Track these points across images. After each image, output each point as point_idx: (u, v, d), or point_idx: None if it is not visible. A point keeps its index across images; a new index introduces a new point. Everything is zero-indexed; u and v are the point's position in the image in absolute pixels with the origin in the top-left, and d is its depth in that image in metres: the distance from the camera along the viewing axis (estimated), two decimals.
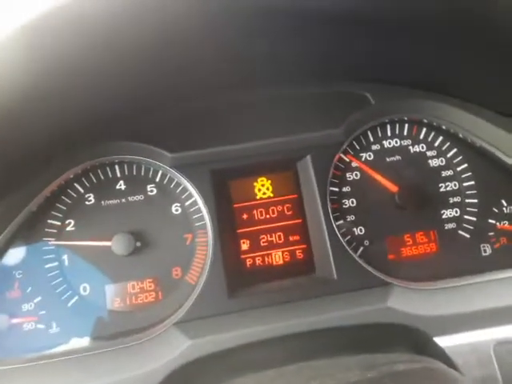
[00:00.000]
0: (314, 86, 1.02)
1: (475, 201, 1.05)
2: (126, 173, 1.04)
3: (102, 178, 1.03)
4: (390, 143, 1.08)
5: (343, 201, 1.05)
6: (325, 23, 0.79)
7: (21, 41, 0.61)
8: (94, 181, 1.03)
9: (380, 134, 1.08)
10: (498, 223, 1.05)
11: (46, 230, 1.00)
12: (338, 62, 0.95)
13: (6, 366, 0.89)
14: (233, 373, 0.82)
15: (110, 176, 1.04)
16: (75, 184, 1.02)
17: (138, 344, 0.91)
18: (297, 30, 0.81)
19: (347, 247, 0.97)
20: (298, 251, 1.03)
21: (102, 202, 1.02)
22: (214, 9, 0.67)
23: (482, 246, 1.04)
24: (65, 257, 1.00)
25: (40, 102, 0.77)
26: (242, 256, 1.02)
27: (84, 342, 0.96)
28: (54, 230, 1.00)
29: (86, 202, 1.02)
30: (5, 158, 0.83)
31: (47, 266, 0.99)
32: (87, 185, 1.03)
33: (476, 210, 1.05)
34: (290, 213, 1.04)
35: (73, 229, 1.01)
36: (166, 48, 0.77)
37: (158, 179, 1.04)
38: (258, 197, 1.04)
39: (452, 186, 1.06)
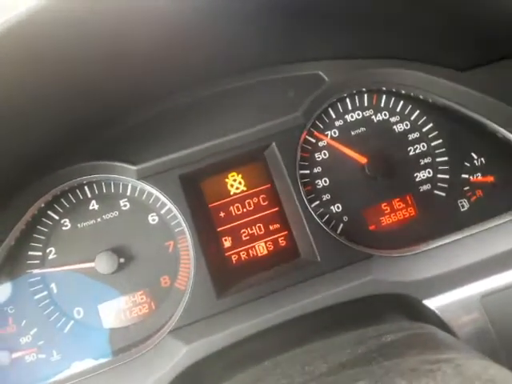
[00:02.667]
0: (265, 73, 1.01)
1: (446, 158, 1.06)
2: (97, 192, 1.04)
3: (74, 201, 1.03)
4: (352, 116, 1.08)
5: (316, 181, 1.05)
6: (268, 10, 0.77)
7: None
8: (67, 205, 1.03)
9: (341, 109, 1.08)
10: (471, 177, 1.05)
11: (29, 261, 1.00)
12: (286, 46, 0.94)
13: None
14: (231, 370, 0.84)
15: (81, 198, 1.03)
16: (48, 212, 1.02)
17: (137, 358, 0.93)
18: (245, 19, 0.79)
19: (325, 227, 0.98)
20: (280, 239, 1.03)
21: (79, 225, 1.02)
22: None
23: (459, 201, 1.05)
24: (52, 285, 1.01)
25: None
26: (227, 253, 1.03)
27: (86, 364, 0.97)
28: (37, 261, 1.01)
29: (63, 228, 1.02)
30: None
31: (37, 296, 1.00)
32: (60, 210, 1.03)
33: (448, 167, 1.06)
34: (265, 203, 1.04)
35: (55, 256, 1.01)
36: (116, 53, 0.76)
37: (128, 193, 1.04)
38: (231, 193, 1.05)
39: (420, 147, 1.07)
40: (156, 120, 1.00)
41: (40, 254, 1.01)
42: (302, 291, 0.92)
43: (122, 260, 1.00)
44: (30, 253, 1.01)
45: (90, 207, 1.03)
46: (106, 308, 1.01)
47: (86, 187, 1.04)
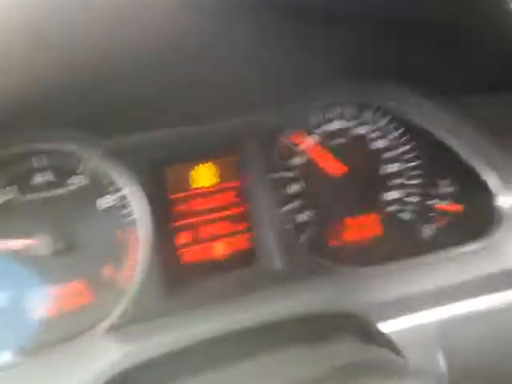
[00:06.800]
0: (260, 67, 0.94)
1: (417, 181, 1.05)
2: (48, 163, 0.91)
3: (21, 168, 0.90)
4: (334, 125, 1.04)
5: (287, 186, 1.00)
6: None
7: None
8: (11, 172, 0.89)
9: (324, 116, 1.04)
10: (438, 203, 1.05)
11: None
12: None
13: None
14: (174, 378, 0.76)
15: (30, 167, 0.90)
16: None
17: (67, 353, 0.82)
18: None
19: (292, 235, 0.94)
20: (242, 241, 0.97)
21: (20, 197, 0.89)
22: None
23: (423, 227, 1.05)
24: None
25: None
26: (180, 250, 0.95)
27: (5, 356, 0.85)
28: None
29: (1, 197, 0.89)
30: None
31: None
32: (3, 177, 0.89)
33: (418, 190, 1.05)
34: (233, 200, 0.98)
35: None
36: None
37: (84, 170, 0.92)
38: (196, 185, 0.97)
39: (395, 167, 1.05)
40: (133, 95, 0.89)
41: None
42: (258, 300, 0.87)
43: (63, 242, 0.89)
44: None
45: (37, 179, 0.90)
46: (36, 295, 0.89)
47: (37, 155, 0.90)
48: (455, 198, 1.05)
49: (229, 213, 0.98)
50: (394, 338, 0.88)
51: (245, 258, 0.97)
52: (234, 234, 0.97)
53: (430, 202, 1.05)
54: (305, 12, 0.69)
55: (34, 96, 0.77)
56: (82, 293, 0.90)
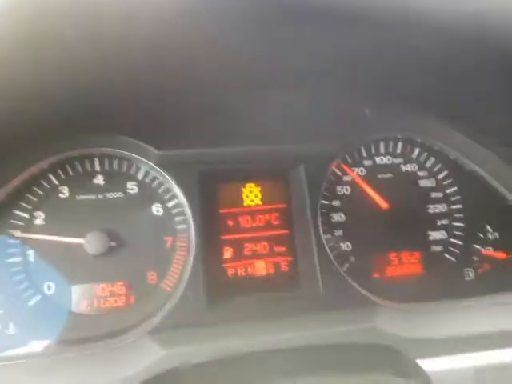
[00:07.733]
0: (313, 97, 0.99)
1: (462, 224, 1.05)
2: (107, 167, 0.97)
3: (80, 170, 0.96)
4: (382, 160, 1.07)
5: (332, 215, 1.02)
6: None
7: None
8: (71, 173, 0.96)
9: (373, 150, 1.07)
10: (482, 248, 1.04)
11: (13, 221, 0.92)
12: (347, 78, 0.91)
13: None
14: None
15: (89, 169, 0.97)
16: (49, 175, 0.95)
17: (105, 351, 0.84)
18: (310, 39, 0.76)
19: (335, 262, 0.94)
20: (282, 263, 0.98)
21: (77, 197, 0.95)
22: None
23: (465, 270, 1.03)
24: (30, 252, 0.92)
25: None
26: (224, 264, 0.97)
27: (45, 345, 0.87)
28: (21, 223, 0.92)
29: (60, 195, 0.95)
30: None
31: (10, 260, 0.91)
32: (62, 176, 0.95)
33: (462, 233, 1.05)
34: (277, 222, 1.00)
35: (42, 222, 0.93)
36: (165, 41, 0.72)
37: (140, 177, 0.98)
38: (245, 203, 1.00)
39: (440, 208, 1.06)
40: (192, 112, 0.95)
41: (27, 215, 0.93)
42: (297, 323, 0.87)
43: (113, 244, 0.93)
44: (17, 212, 0.92)
45: (95, 181, 0.96)
46: (81, 290, 0.92)
47: (96, 159, 0.97)
48: (499, 244, 1.04)
49: (272, 233, 1.00)
50: (430, 376, 0.85)
51: (286, 281, 0.97)
52: (274, 254, 0.99)
53: (474, 246, 1.04)
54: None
55: (83, 99, 0.83)
56: (124, 295, 0.93)
